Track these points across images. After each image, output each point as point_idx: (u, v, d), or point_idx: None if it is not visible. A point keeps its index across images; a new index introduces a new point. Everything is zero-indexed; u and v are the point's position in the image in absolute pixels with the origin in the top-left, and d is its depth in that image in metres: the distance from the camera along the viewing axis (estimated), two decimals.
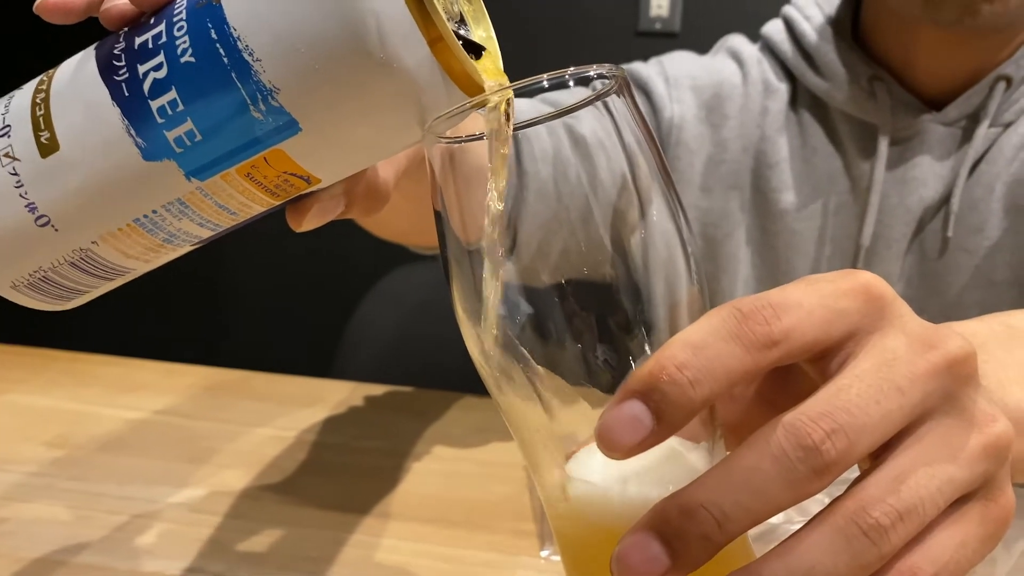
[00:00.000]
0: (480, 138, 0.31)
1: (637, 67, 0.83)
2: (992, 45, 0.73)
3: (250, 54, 0.31)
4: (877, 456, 0.26)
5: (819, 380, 0.27)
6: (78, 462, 0.68)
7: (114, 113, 0.33)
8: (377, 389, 0.88)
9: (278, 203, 0.37)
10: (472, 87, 0.32)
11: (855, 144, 0.76)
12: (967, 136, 0.74)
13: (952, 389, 0.26)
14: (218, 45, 0.31)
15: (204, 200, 0.35)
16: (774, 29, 0.82)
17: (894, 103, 0.74)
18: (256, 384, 0.89)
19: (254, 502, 0.63)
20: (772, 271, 0.80)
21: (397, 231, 0.66)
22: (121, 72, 0.33)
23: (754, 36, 0.86)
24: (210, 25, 0.32)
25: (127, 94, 0.33)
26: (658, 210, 0.31)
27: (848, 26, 0.78)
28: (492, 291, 0.31)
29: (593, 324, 0.30)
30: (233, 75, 0.32)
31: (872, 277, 0.27)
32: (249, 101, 0.32)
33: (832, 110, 0.78)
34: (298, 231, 0.39)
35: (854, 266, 0.76)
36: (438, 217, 0.32)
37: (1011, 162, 0.73)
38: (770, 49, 0.82)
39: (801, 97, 0.80)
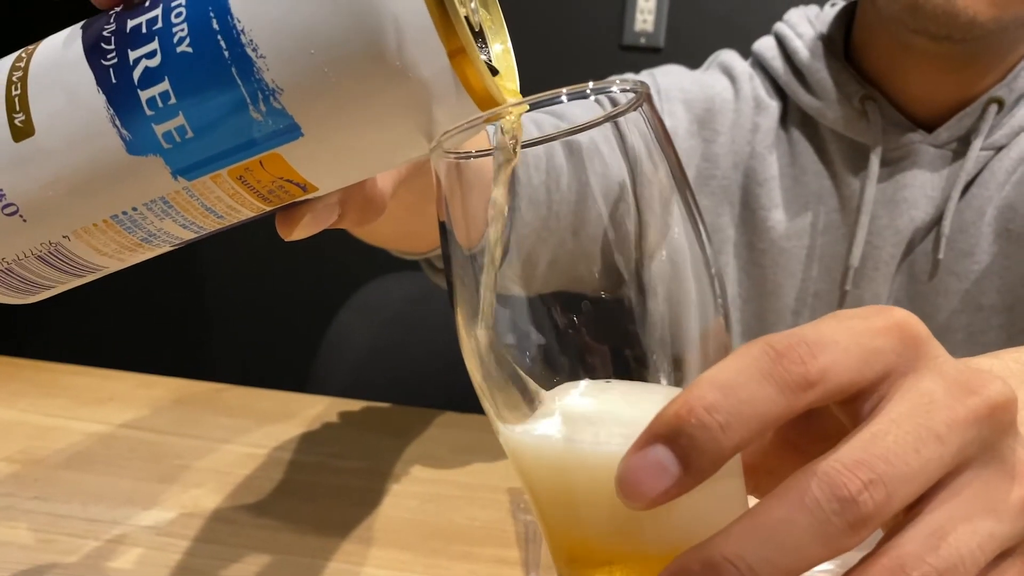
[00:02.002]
0: (489, 153, 0.30)
1: (630, 79, 0.82)
2: (983, 67, 0.72)
3: (254, 50, 0.29)
4: (911, 509, 0.24)
5: (849, 423, 0.25)
6: (41, 480, 0.65)
7: (99, 100, 0.31)
8: (353, 405, 0.86)
9: (269, 209, 0.35)
10: (489, 103, 0.30)
11: (845, 163, 0.75)
12: (958, 158, 0.73)
13: (991, 438, 0.25)
14: (219, 37, 0.29)
15: (190, 201, 0.33)
16: (766, 46, 0.81)
17: (885, 123, 0.74)
18: (229, 398, 0.86)
19: (227, 525, 0.60)
20: (759, 289, 0.79)
21: (386, 237, 0.64)
22: (109, 56, 0.31)
23: (739, 52, 0.85)
24: (212, 14, 0.29)
25: (114, 81, 0.31)
26: (670, 227, 0.29)
27: (840, 44, 0.78)
28: (488, 299, 0.30)
29: (587, 344, 0.29)
30: (233, 71, 0.29)
31: (906, 314, 0.25)
32: (249, 100, 0.30)
33: (822, 128, 0.77)
34: (287, 240, 0.37)
35: (842, 287, 0.76)
36: (443, 229, 0.30)
37: (1003, 186, 0.72)
38: (761, 66, 0.81)
39: (792, 115, 0.79)
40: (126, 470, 0.68)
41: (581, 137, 0.29)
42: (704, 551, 0.23)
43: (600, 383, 0.29)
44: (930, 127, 0.74)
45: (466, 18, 0.30)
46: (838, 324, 0.25)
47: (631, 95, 0.29)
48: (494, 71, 0.33)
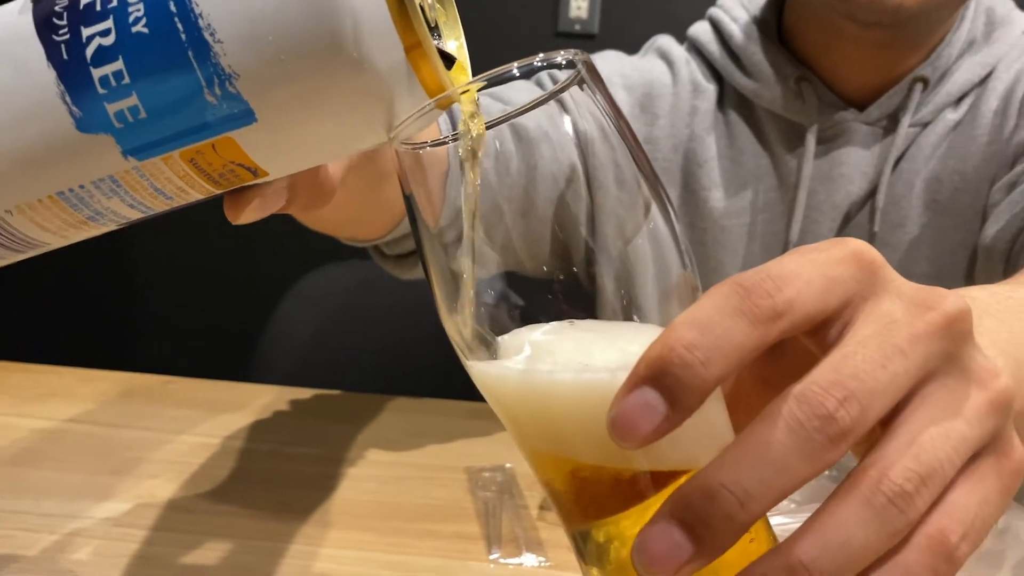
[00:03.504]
0: (446, 141, 0.31)
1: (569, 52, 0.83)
2: (908, 48, 0.75)
3: (211, 34, 0.29)
4: (885, 424, 0.26)
5: (817, 351, 0.27)
6: None
7: (48, 76, 0.31)
8: (304, 393, 0.86)
9: (218, 192, 0.35)
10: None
11: (781, 143, 0.78)
12: (888, 135, 0.76)
13: (951, 348, 0.26)
14: (176, 19, 0.29)
15: (140, 181, 0.32)
16: (701, 30, 0.83)
17: (820, 103, 0.76)
18: (176, 389, 0.85)
19: (185, 514, 0.60)
20: (702, 267, 0.81)
21: (334, 224, 0.64)
22: (61, 32, 0.31)
23: (673, 37, 0.87)
24: None
25: (66, 57, 0.30)
26: (625, 201, 0.30)
27: (774, 27, 0.80)
28: (466, 277, 0.31)
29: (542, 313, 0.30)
30: (190, 54, 0.30)
31: (861, 244, 0.27)
32: (204, 84, 0.30)
33: (758, 109, 0.79)
34: (235, 223, 0.37)
35: None
36: (408, 200, 0.31)
37: (929, 159, 0.75)
38: (697, 50, 0.83)
39: (728, 97, 0.81)
40: (77, 465, 0.67)
41: (527, 120, 0.30)
42: (700, 481, 0.24)
43: (563, 323, 0.30)
44: (861, 105, 0.76)
45: (422, 12, 0.31)
46: (800, 258, 0.26)
47: (570, 70, 0.30)
48: (449, 60, 0.34)
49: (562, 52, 0.30)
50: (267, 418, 0.79)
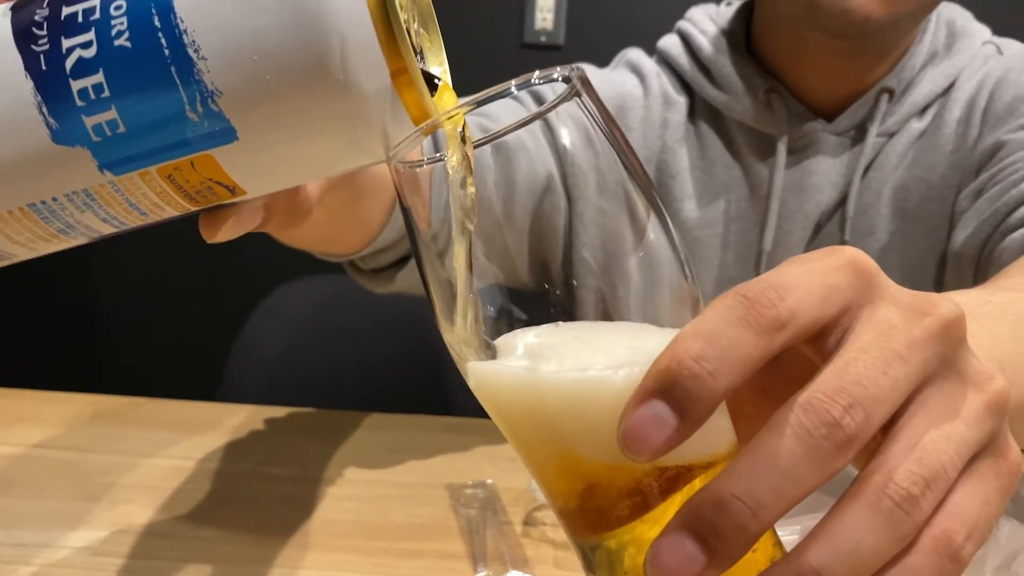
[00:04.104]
0: (442, 159, 0.31)
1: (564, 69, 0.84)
2: (874, 59, 0.76)
3: (196, 50, 0.29)
4: (886, 430, 0.26)
5: (817, 358, 0.27)
6: None
7: (26, 86, 0.30)
8: (278, 412, 0.85)
9: (194, 209, 0.34)
10: (425, 120, 0.31)
11: (752, 153, 0.79)
12: (856, 144, 0.77)
13: (947, 352, 0.27)
14: (160, 34, 0.29)
15: (114, 196, 0.32)
16: (670, 43, 0.84)
17: (789, 114, 0.77)
18: (148, 411, 0.84)
19: (163, 539, 0.59)
20: None
21: (308, 241, 0.63)
22: (41, 42, 0.30)
23: (639, 48, 0.88)
24: (154, 11, 0.29)
25: (44, 68, 0.30)
26: (607, 208, 0.31)
27: (742, 39, 0.81)
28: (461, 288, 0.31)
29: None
30: (172, 69, 0.29)
31: (856, 252, 0.27)
32: (186, 100, 0.29)
33: (729, 120, 0.80)
34: (210, 242, 0.37)
35: (756, 271, 0.79)
36: (405, 213, 0.32)
37: (896, 168, 0.77)
38: (667, 63, 0.84)
39: (699, 109, 0.81)
40: (49, 491, 0.65)
41: (509, 137, 0.30)
42: (712, 491, 0.24)
43: (550, 326, 0.30)
44: (829, 116, 0.78)
45: (409, 37, 0.31)
46: (799, 267, 0.27)
47: (564, 85, 0.30)
48: (431, 80, 0.34)
49: (558, 68, 0.30)
50: (242, 438, 0.78)
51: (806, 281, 0.26)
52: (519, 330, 0.31)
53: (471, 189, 0.30)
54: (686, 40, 0.83)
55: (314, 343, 1.30)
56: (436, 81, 0.34)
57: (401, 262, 0.72)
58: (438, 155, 0.31)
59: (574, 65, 0.30)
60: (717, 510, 0.24)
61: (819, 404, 0.24)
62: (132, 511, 0.62)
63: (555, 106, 0.30)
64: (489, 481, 0.69)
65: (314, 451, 0.75)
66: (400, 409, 0.87)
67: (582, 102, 0.30)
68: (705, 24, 0.83)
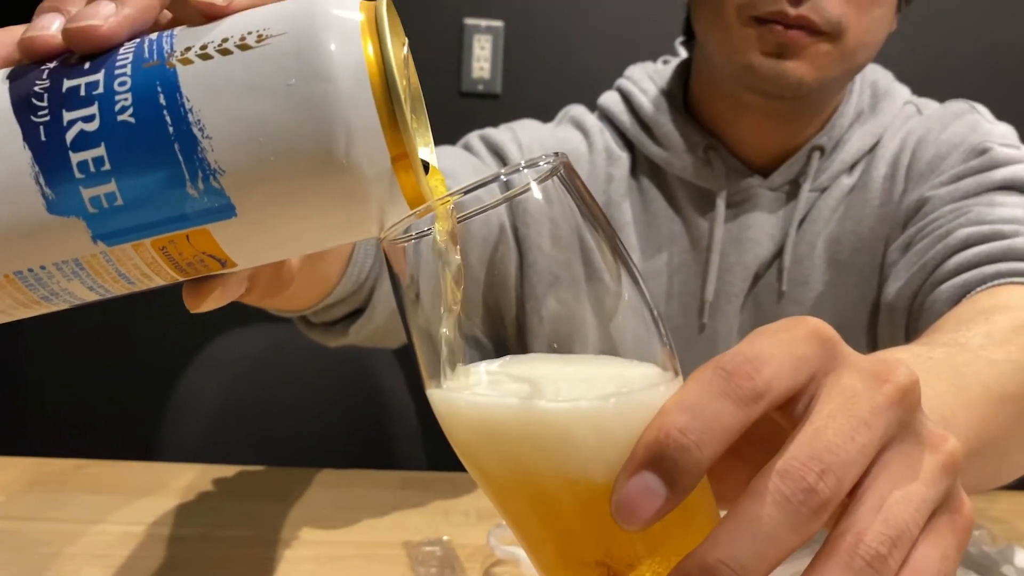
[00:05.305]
0: (428, 233, 0.32)
1: (491, 132, 0.85)
2: (806, 119, 0.81)
3: (200, 129, 0.29)
4: (852, 493, 0.28)
5: (786, 424, 0.29)
6: None
7: (23, 156, 0.30)
8: (227, 470, 0.84)
9: (181, 280, 0.35)
10: (419, 202, 0.33)
11: (693, 207, 0.82)
12: (791, 199, 0.81)
13: (905, 417, 0.29)
14: (165, 112, 0.30)
15: (105, 266, 0.32)
16: (611, 100, 0.87)
17: (727, 170, 0.81)
18: (90, 474, 0.81)
19: None
20: None
21: (274, 303, 0.63)
22: (41, 113, 0.30)
23: (572, 100, 0.91)
24: (159, 89, 0.30)
25: (44, 139, 0.30)
26: (560, 259, 0.32)
27: (680, 98, 0.84)
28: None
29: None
30: (176, 147, 0.30)
31: (818, 322, 0.29)
32: (188, 177, 0.30)
33: (670, 176, 0.83)
34: (193, 312, 0.37)
35: (699, 320, 0.81)
36: (393, 280, 0.33)
37: (828, 222, 0.81)
38: (609, 119, 0.87)
39: (640, 164, 0.84)
40: None
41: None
42: (698, 559, 0.26)
43: (518, 356, 0.32)
44: (765, 172, 0.81)
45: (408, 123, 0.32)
46: (769, 339, 0.28)
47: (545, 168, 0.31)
48: (425, 164, 0.35)
49: (544, 156, 0.32)
50: (191, 500, 0.76)
51: (778, 352, 0.28)
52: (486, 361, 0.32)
53: (457, 258, 0.31)
54: (627, 98, 0.86)
55: (254, 395, 1.28)
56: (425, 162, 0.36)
57: (354, 315, 0.72)
58: (426, 229, 0.32)
59: (560, 152, 0.32)
60: (703, 575, 0.25)
61: (795, 471, 0.26)
62: None
63: (524, 191, 0.31)
64: (445, 538, 0.69)
65: (267, 511, 0.74)
66: (344, 459, 0.86)
67: (561, 175, 0.31)
68: (645, 83, 0.86)
